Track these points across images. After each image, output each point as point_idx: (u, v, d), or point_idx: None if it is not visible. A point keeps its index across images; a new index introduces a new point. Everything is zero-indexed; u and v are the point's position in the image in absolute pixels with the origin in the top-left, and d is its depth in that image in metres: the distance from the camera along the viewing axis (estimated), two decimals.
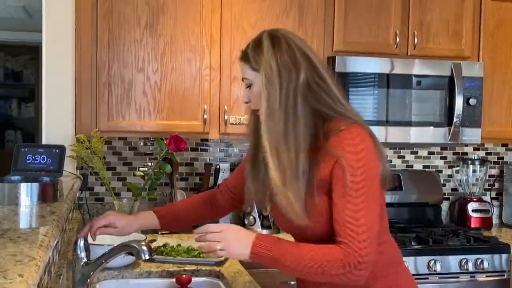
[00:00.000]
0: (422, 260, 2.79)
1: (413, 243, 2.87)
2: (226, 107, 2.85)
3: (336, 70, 2.90)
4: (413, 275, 2.72)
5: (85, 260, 1.73)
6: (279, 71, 1.50)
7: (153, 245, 2.48)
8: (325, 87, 1.53)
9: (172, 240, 2.65)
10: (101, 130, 2.70)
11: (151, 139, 3.06)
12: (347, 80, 2.92)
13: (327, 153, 1.48)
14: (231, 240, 1.52)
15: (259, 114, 1.54)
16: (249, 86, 1.59)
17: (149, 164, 2.89)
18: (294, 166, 1.48)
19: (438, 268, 2.78)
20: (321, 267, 1.45)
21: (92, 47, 2.72)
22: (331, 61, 2.95)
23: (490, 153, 3.60)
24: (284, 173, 1.49)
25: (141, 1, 2.76)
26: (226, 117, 2.84)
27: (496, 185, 3.61)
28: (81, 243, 1.74)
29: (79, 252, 1.73)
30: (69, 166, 2.54)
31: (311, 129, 1.51)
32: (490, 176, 3.55)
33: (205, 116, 2.81)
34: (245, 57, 1.58)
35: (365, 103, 2.97)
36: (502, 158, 3.62)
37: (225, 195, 1.91)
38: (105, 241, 2.14)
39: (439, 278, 2.80)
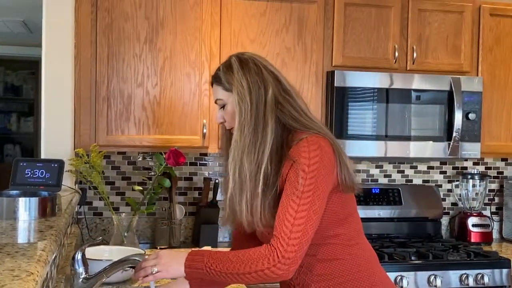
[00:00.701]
0: (423, 275, 2.78)
1: (413, 258, 2.86)
2: None
3: (335, 85, 2.91)
4: None
5: (84, 275, 1.72)
6: (250, 88, 1.64)
7: None
8: (291, 100, 1.66)
9: None
10: (100, 145, 2.69)
11: (150, 153, 3.06)
12: (346, 95, 2.93)
13: (287, 160, 1.59)
14: (166, 260, 1.62)
15: (233, 132, 1.66)
16: (222, 106, 1.72)
17: (148, 179, 2.88)
18: (254, 175, 1.59)
19: (438, 283, 2.76)
20: (247, 265, 1.54)
21: (92, 62, 2.73)
22: (330, 75, 2.95)
23: (489, 168, 3.59)
24: (243, 180, 1.60)
25: (140, 16, 2.77)
26: None
27: (496, 199, 3.60)
28: (79, 257, 1.73)
29: (77, 267, 1.72)
30: (67, 180, 2.53)
31: (278, 141, 1.62)
32: (490, 190, 3.55)
33: (204, 131, 2.81)
34: (217, 79, 1.72)
35: (364, 117, 2.97)
36: (502, 172, 3.62)
37: (242, 236, 1.86)
38: (103, 255, 2.12)
39: None
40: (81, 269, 1.72)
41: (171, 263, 1.62)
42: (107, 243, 2.65)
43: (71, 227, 2.65)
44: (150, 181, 2.80)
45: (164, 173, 2.80)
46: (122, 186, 3.09)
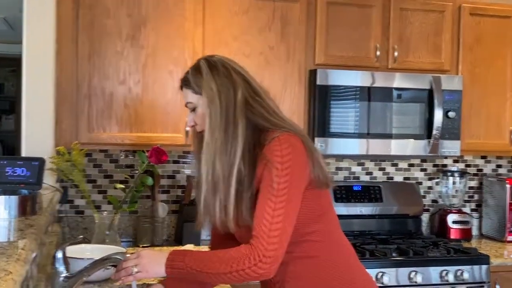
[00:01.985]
0: (403, 272, 2.81)
1: (394, 254, 2.89)
2: None
3: (318, 83, 2.92)
4: (394, 286, 2.77)
5: (64, 274, 1.71)
6: (219, 90, 1.64)
7: None
8: (260, 101, 1.67)
9: None
10: (82, 143, 2.68)
11: (132, 151, 3.05)
12: (328, 93, 2.94)
13: (260, 160, 1.60)
14: (146, 260, 1.62)
15: (204, 134, 1.66)
16: (193, 109, 1.71)
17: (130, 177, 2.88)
18: (227, 176, 1.60)
19: (419, 279, 2.79)
20: (229, 264, 1.54)
21: (73, 59, 2.71)
22: (313, 74, 2.97)
23: (469, 165, 3.64)
24: (216, 182, 1.61)
25: (122, 13, 2.76)
26: None
27: (476, 196, 3.64)
28: (60, 256, 1.72)
29: (58, 265, 1.71)
30: (48, 178, 2.51)
31: (249, 142, 1.63)
32: (469, 188, 3.59)
33: (187, 129, 2.81)
34: (186, 82, 1.71)
35: (346, 116, 2.99)
36: (481, 170, 3.66)
37: (220, 235, 1.84)
38: (85, 254, 2.12)
39: None
40: (62, 268, 1.71)
41: (152, 263, 1.61)
42: (88, 242, 2.64)
43: (52, 225, 2.63)
44: (133, 179, 2.79)
45: (146, 171, 2.79)
46: (104, 184, 3.08)
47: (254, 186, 1.60)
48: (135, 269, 1.61)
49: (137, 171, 2.81)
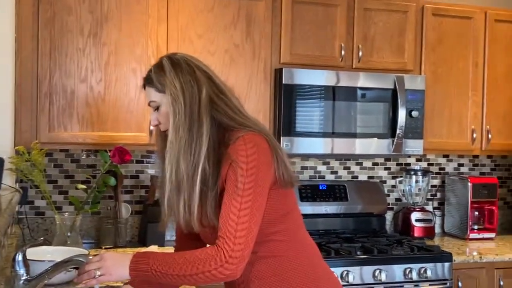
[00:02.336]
0: (368, 270, 2.83)
1: (358, 253, 2.91)
2: None
3: (283, 82, 2.92)
4: (359, 284, 2.79)
5: (25, 276, 1.66)
6: (183, 88, 1.62)
7: None
8: (225, 99, 1.65)
9: None
10: (42, 142, 2.61)
11: (94, 151, 2.99)
12: (294, 92, 2.94)
13: (225, 159, 1.58)
14: (109, 263, 1.58)
15: (168, 133, 1.63)
16: (156, 108, 1.68)
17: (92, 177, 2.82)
18: (191, 175, 1.58)
19: (383, 277, 2.82)
20: (195, 266, 1.52)
21: (33, 56, 2.64)
22: (278, 73, 2.96)
23: (432, 164, 3.69)
24: (180, 181, 1.58)
25: (84, 10, 2.70)
26: None
27: (438, 195, 3.70)
28: (20, 258, 1.67)
29: (18, 268, 1.66)
30: (8, 179, 2.45)
31: (214, 141, 1.61)
32: (432, 186, 3.64)
33: (151, 128, 2.77)
34: (149, 81, 1.68)
35: (312, 115, 3.00)
36: (444, 168, 3.72)
37: (185, 235, 1.82)
38: (46, 256, 2.06)
39: (384, 287, 2.84)
40: (22, 271, 1.66)
41: (115, 266, 1.58)
42: (49, 244, 2.58)
43: (11, 227, 2.57)
44: (95, 180, 2.74)
45: (109, 171, 2.74)
46: (65, 184, 3.01)
47: (218, 185, 1.59)
48: (98, 272, 1.57)
49: (99, 171, 2.76)
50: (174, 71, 1.64)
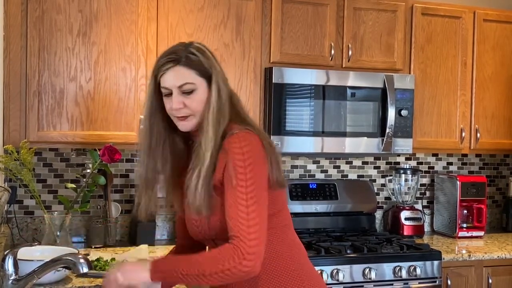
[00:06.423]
0: (358, 268, 2.83)
1: (348, 251, 2.91)
2: None
3: (273, 81, 2.92)
4: (349, 283, 2.80)
5: (14, 276, 1.65)
6: (223, 75, 1.67)
7: None
8: (235, 93, 1.72)
9: (106, 254, 2.58)
10: (31, 141, 2.60)
11: (84, 150, 2.97)
12: (284, 91, 2.95)
13: (221, 155, 1.61)
14: (128, 267, 1.61)
15: (188, 120, 1.64)
16: (188, 92, 1.62)
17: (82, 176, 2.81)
18: (208, 161, 1.61)
19: (373, 276, 2.83)
20: (214, 265, 1.54)
21: (22, 55, 2.63)
22: (268, 72, 2.96)
23: (421, 163, 3.71)
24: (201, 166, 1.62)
25: (73, 9, 2.69)
26: None
27: (427, 193, 3.72)
28: (9, 258, 1.66)
29: (7, 268, 1.65)
30: None
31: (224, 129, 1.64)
32: (421, 185, 3.66)
33: (141, 127, 2.76)
34: (190, 62, 1.62)
35: (301, 114, 3.00)
36: (433, 167, 3.74)
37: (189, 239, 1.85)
38: (35, 255, 2.06)
39: (374, 285, 2.85)
40: (11, 270, 1.65)
41: (133, 272, 1.59)
42: (39, 243, 2.57)
43: (0, 226, 2.55)
44: (84, 179, 2.73)
45: (99, 170, 2.73)
46: (54, 183, 3.00)
47: (211, 175, 1.61)
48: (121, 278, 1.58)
49: (88, 170, 2.75)
50: (214, 58, 1.67)
